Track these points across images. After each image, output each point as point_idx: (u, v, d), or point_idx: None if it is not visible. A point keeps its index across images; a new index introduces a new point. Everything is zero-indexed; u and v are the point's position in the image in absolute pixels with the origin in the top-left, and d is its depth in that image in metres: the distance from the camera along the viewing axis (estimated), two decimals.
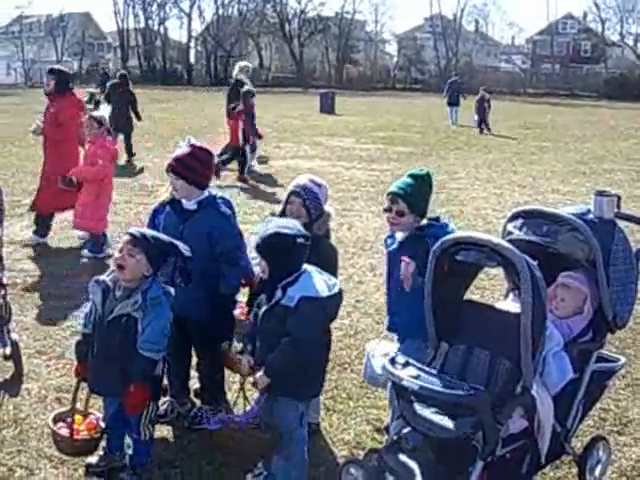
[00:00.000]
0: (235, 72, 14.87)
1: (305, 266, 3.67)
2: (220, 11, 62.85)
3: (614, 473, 4.10)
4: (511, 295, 4.10)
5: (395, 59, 67.14)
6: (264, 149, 16.12)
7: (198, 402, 4.64)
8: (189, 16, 64.89)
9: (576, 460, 3.96)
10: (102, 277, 3.82)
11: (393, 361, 3.57)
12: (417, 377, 3.43)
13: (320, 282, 3.62)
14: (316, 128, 23.47)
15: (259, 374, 3.61)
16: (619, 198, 3.91)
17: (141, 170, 14.21)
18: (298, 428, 3.70)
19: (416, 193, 4.01)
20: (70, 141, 8.30)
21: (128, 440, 3.93)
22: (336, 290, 3.67)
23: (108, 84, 16.88)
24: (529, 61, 59.74)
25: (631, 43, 58.78)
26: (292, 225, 3.72)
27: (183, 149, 4.39)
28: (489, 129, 23.15)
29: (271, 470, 3.79)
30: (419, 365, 3.58)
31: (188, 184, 4.29)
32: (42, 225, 8.52)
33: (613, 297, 3.75)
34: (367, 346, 4.28)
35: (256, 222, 8.99)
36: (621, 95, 43.84)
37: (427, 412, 3.48)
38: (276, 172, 14.19)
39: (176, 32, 69.77)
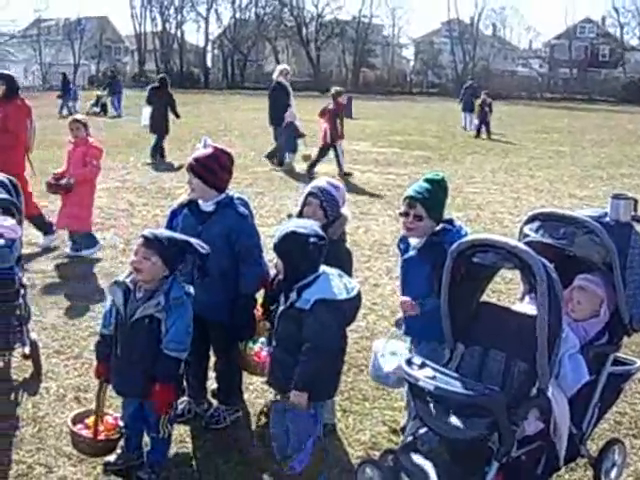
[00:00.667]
0: (275, 75, 15.31)
1: (324, 268, 3.67)
2: (237, 14, 63.10)
3: (630, 476, 4.10)
4: (527, 298, 4.11)
5: (412, 63, 67.20)
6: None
7: (215, 402, 4.67)
8: (206, 19, 65.17)
9: (591, 463, 3.97)
10: (121, 278, 3.87)
11: (410, 362, 3.60)
12: (433, 378, 3.45)
13: (338, 284, 3.62)
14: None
15: (293, 395, 3.56)
16: (636, 202, 3.92)
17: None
18: (312, 428, 3.69)
19: (433, 198, 4.03)
20: (19, 147, 8.25)
21: (146, 439, 3.99)
22: (354, 293, 3.65)
23: (149, 87, 17.34)
24: (547, 65, 59.62)
25: None
26: (308, 225, 3.74)
27: (205, 150, 4.43)
28: (489, 133, 22.78)
29: None
30: (435, 366, 3.60)
31: (205, 185, 4.32)
32: (41, 225, 8.53)
33: (630, 300, 3.75)
34: (374, 345, 4.28)
35: (272, 225, 9.02)
36: (636, 99, 43.66)
37: (443, 413, 3.50)
38: (295, 176, 14.23)
39: (193, 35, 70.81)
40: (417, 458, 3.66)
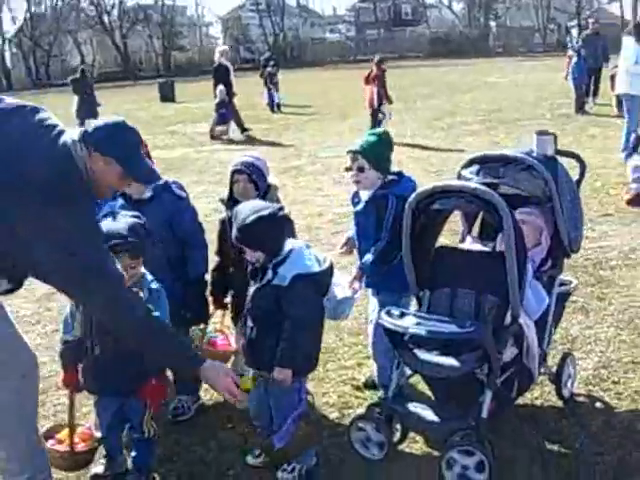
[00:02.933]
0: (216, 57, 17.42)
1: (292, 242, 3.63)
2: (33, 9, 59.83)
3: (580, 384, 4.48)
4: (468, 238, 4.36)
5: (220, 41, 66.67)
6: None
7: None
8: None
9: (551, 379, 4.31)
10: None
11: (389, 313, 3.74)
12: (418, 324, 3.63)
13: (310, 257, 3.59)
14: (163, 118, 23.00)
15: (277, 372, 3.49)
16: (556, 137, 4.26)
17: None
18: (296, 403, 3.63)
19: (373, 149, 4.14)
20: None
21: (127, 441, 3.88)
22: (327, 265, 3.61)
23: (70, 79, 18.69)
24: (354, 29, 61.30)
25: (446, 3, 61.62)
26: (263, 204, 3.62)
27: None
28: (279, 107, 22.58)
29: None
30: (415, 313, 3.78)
31: None
32: None
33: (567, 225, 4.08)
34: None
35: None
36: (446, 53, 45.90)
37: (430, 356, 3.69)
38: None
39: None
40: (409, 404, 3.84)
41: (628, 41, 11.18)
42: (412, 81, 29.52)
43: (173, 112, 25.02)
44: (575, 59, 16.61)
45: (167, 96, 29.46)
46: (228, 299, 4.63)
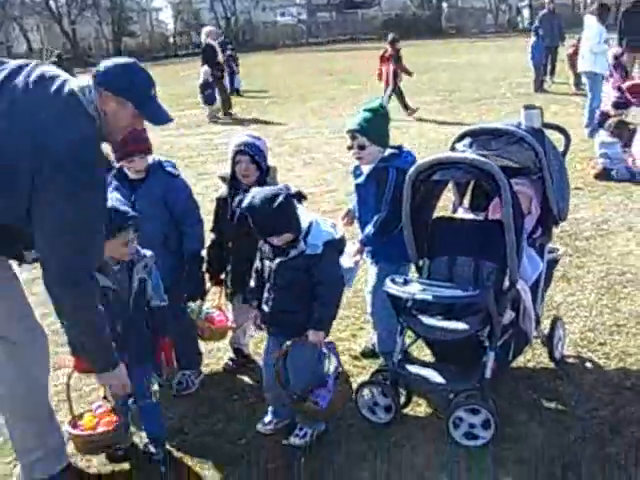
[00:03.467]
0: (203, 38, 17.77)
1: (305, 214, 3.74)
2: None
3: (569, 346, 4.70)
4: (460, 209, 4.53)
5: (170, 26, 65.85)
6: None
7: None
8: None
9: (543, 340, 4.51)
10: None
11: (394, 281, 3.89)
12: (424, 290, 3.78)
13: (327, 225, 3.75)
14: None
15: (310, 334, 3.66)
16: (542, 110, 4.43)
17: None
18: (322, 365, 3.82)
19: (372, 125, 4.24)
20: None
21: (136, 410, 3.94)
22: (341, 231, 3.85)
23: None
24: (305, 12, 61.07)
25: None
26: (273, 191, 3.67)
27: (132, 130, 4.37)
28: (238, 92, 22.23)
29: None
30: (419, 280, 3.93)
31: (147, 156, 4.35)
32: None
33: (555, 194, 4.26)
34: None
35: None
36: (399, 34, 46.02)
37: (434, 320, 3.85)
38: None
39: None
40: (415, 367, 4.01)
41: (590, 20, 11.49)
42: (367, 63, 29.62)
43: None
44: (533, 39, 16.90)
45: None
46: (223, 276, 4.73)
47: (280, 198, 3.57)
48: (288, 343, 3.72)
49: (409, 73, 15.50)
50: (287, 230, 3.62)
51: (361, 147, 4.24)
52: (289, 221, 3.62)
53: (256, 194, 3.66)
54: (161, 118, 3.21)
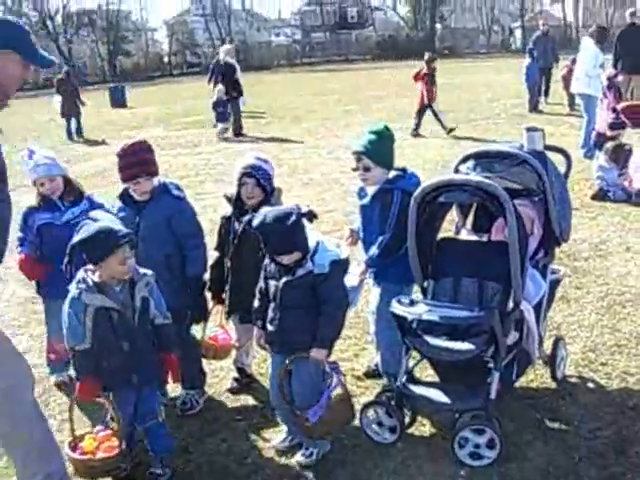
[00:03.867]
0: (222, 56, 17.53)
1: (314, 233, 3.80)
2: None
3: (570, 366, 4.73)
4: (463, 231, 4.58)
5: (165, 46, 66.21)
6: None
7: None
8: None
9: (545, 361, 4.54)
10: (78, 288, 3.71)
11: (400, 302, 3.93)
12: (430, 311, 3.82)
13: (333, 245, 3.81)
14: (116, 123, 22.81)
15: (314, 352, 3.71)
16: (544, 132, 4.50)
17: None
18: (332, 380, 3.84)
19: (377, 147, 4.29)
20: None
21: (142, 431, 3.96)
22: (347, 252, 3.90)
23: (56, 79, 20.06)
24: (300, 32, 61.54)
25: (391, 5, 62.27)
26: (283, 211, 3.74)
27: (131, 146, 4.43)
28: None
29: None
30: (424, 301, 3.97)
31: (153, 178, 4.37)
32: None
33: (557, 215, 4.31)
34: None
35: None
36: (392, 55, 46.46)
37: (439, 341, 3.88)
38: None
39: None
40: (420, 388, 4.03)
41: (588, 42, 11.62)
42: (362, 83, 29.89)
43: (124, 117, 24.85)
44: (528, 60, 17.07)
45: (118, 101, 29.16)
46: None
47: (292, 217, 3.64)
48: (291, 358, 3.77)
49: (432, 98, 15.33)
50: (297, 249, 3.68)
51: (366, 169, 4.29)
52: (299, 240, 3.68)
53: (268, 212, 3.73)
54: (47, 61, 3.41)
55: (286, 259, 3.70)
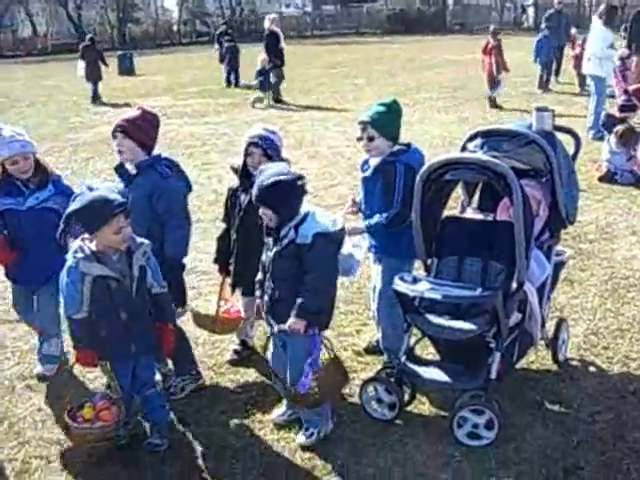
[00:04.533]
0: (267, 24, 17.72)
1: (307, 205, 3.78)
2: None
3: (572, 349, 4.71)
4: (469, 209, 4.54)
5: (175, 14, 65.66)
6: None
7: None
8: None
9: (547, 342, 4.52)
10: (77, 256, 3.69)
11: (402, 279, 3.90)
12: (433, 289, 3.79)
13: (326, 219, 3.77)
14: (124, 91, 22.68)
15: (290, 321, 3.67)
16: (554, 113, 4.44)
17: None
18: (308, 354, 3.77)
19: (383, 118, 4.27)
20: None
21: (140, 401, 3.96)
22: (340, 225, 3.80)
23: (81, 45, 21.23)
24: (310, 4, 60.96)
25: None
26: (286, 170, 3.77)
27: (132, 111, 4.37)
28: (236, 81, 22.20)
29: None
30: (427, 279, 3.94)
31: (136, 145, 4.24)
32: None
33: (564, 197, 4.27)
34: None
35: None
36: (403, 30, 45.99)
37: (442, 320, 3.86)
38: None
39: None
40: (420, 366, 4.02)
41: (596, 22, 11.46)
42: (372, 57, 29.62)
43: (133, 85, 24.71)
44: (540, 36, 16.86)
45: (127, 69, 28.96)
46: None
47: (285, 177, 3.64)
48: (273, 330, 3.77)
49: (506, 68, 15.43)
50: (273, 208, 3.66)
51: (370, 139, 4.26)
52: (279, 201, 3.65)
53: (273, 166, 3.80)
54: None
55: (262, 211, 3.70)
